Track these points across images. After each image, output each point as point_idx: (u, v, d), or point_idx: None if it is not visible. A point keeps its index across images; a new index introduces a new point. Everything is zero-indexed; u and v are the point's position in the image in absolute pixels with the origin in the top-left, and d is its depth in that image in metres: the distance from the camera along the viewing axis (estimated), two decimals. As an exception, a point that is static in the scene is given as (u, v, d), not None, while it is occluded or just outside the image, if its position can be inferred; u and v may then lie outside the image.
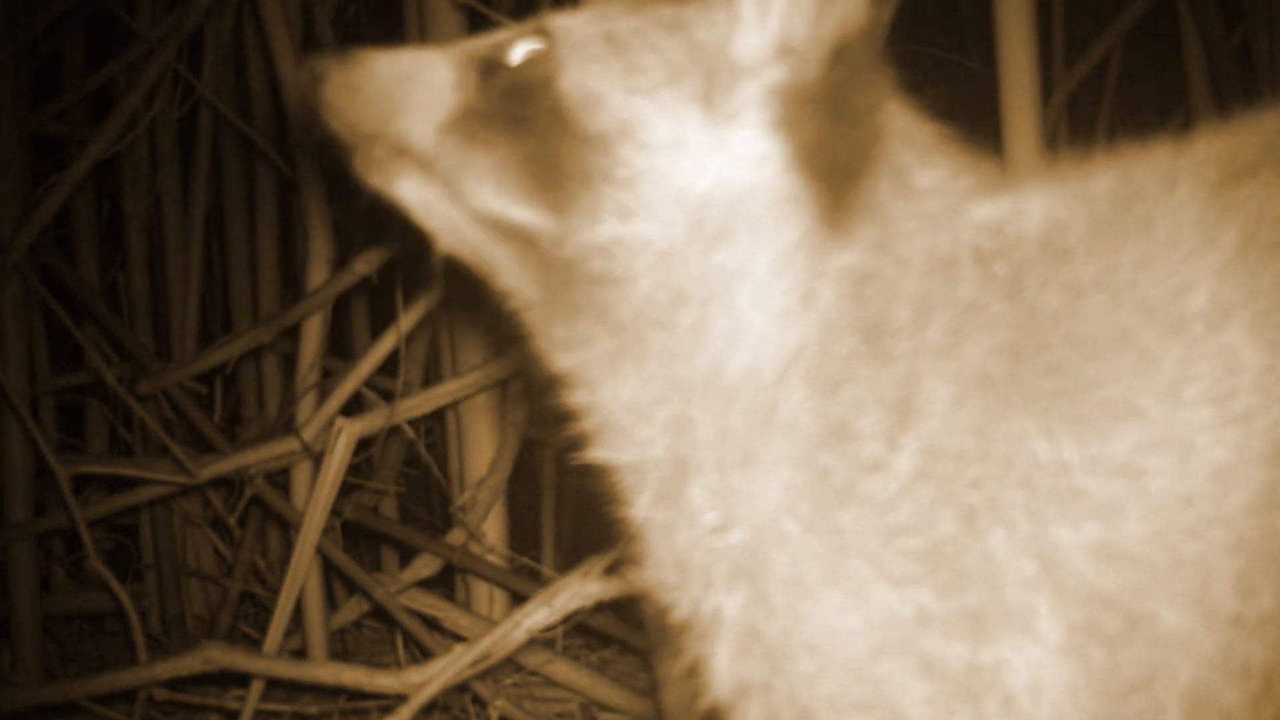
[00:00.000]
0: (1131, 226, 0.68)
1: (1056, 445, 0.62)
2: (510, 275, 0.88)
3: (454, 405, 1.87)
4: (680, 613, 0.81)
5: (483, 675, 1.63)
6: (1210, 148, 0.69)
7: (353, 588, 2.00)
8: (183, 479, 1.83)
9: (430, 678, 1.56)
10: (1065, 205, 0.73)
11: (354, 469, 1.74)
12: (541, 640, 1.60)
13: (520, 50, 0.88)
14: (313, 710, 1.85)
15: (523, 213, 0.83)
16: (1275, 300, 0.63)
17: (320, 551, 1.76)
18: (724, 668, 0.77)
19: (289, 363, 2.15)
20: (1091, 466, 0.61)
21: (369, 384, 1.81)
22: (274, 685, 1.82)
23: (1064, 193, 0.74)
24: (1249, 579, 0.60)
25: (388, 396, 1.81)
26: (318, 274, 1.86)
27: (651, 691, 1.64)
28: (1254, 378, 0.62)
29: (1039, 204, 0.73)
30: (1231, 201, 0.66)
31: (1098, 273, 0.66)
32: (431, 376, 2.09)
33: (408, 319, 1.71)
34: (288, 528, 1.95)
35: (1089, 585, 0.61)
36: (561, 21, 0.88)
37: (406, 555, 2.08)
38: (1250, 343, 0.62)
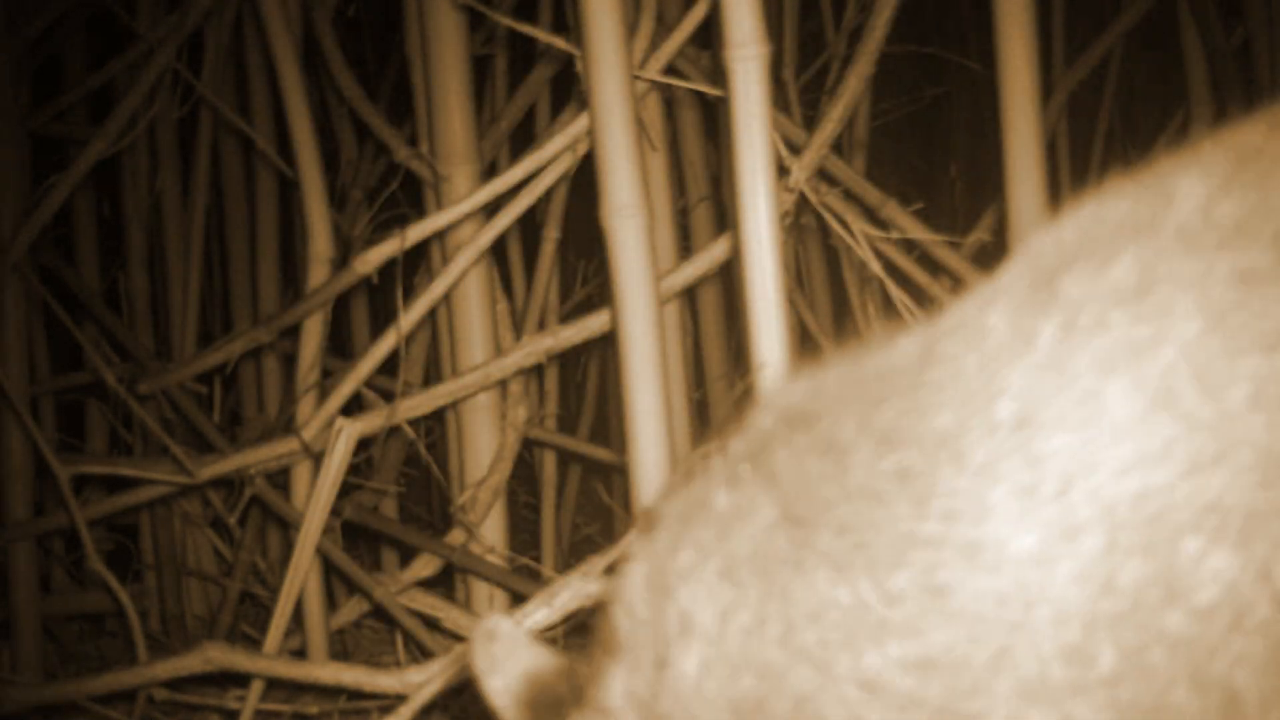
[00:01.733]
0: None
1: (855, 589, 0.63)
2: None
3: (454, 405, 1.87)
4: None
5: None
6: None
7: (353, 588, 2.00)
8: (183, 479, 1.83)
9: (430, 678, 1.56)
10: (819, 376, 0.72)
11: (354, 469, 1.74)
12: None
13: None
14: (313, 710, 1.85)
15: None
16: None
17: (320, 551, 1.76)
18: None
19: (289, 363, 2.15)
20: (890, 598, 0.63)
21: (369, 384, 1.81)
22: (274, 685, 1.82)
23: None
24: (1073, 648, 0.60)
25: (388, 396, 1.81)
26: (318, 274, 1.86)
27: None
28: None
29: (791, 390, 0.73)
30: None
31: (856, 423, 0.66)
32: (431, 376, 2.10)
33: (408, 319, 1.71)
34: (288, 528, 1.95)
35: (912, 696, 0.62)
36: None
37: (406, 555, 2.08)
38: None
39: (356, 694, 1.78)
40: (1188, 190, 0.61)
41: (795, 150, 1.58)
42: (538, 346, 1.70)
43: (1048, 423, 0.59)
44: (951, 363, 0.63)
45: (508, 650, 0.76)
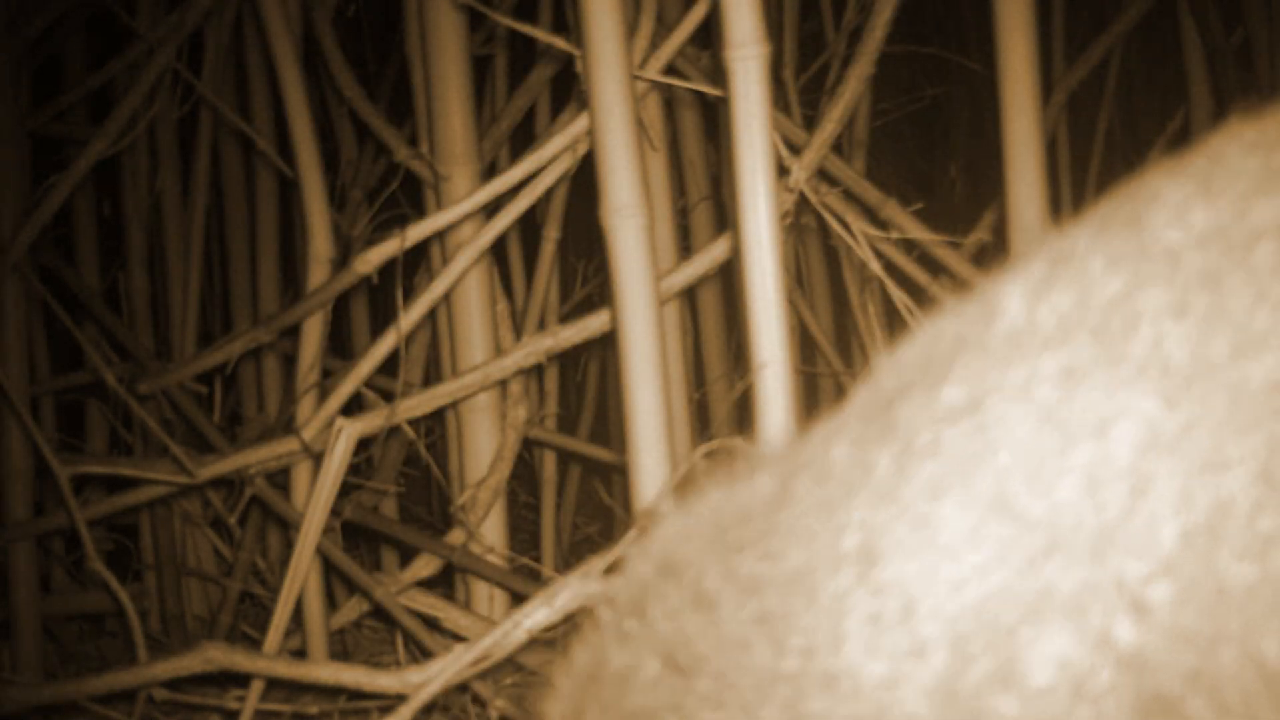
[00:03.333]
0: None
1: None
2: None
3: (454, 405, 1.87)
4: None
5: (483, 675, 1.63)
6: None
7: (353, 588, 2.00)
8: (183, 479, 1.83)
9: (430, 678, 1.56)
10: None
11: (354, 469, 1.74)
12: (541, 640, 1.60)
13: None
14: (313, 710, 1.85)
15: None
16: None
17: (320, 551, 1.76)
18: None
19: (289, 363, 2.15)
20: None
21: (369, 384, 1.81)
22: (274, 685, 1.82)
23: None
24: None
25: (388, 396, 1.81)
26: (318, 274, 1.86)
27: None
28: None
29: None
30: None
31: (719, 573, 0.69)
32: (431, 376, 2.10)
33: (408, 319, 1.71)
34: (288, 528, 1.95)
35: None
36: None
37: (406, 555, 2.08)
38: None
39: (356, 694, 1.78)
40: (1011, 297, 0.63)
41: (795, 150, 1.58)
42: (538, 346, 1.70)
43: (887, 551, 0.62)
44: (801, 501, 0.66)
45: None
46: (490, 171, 1.88)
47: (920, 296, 1.78)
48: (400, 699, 1.57)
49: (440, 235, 1.83)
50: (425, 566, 1.92)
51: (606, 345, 2.00)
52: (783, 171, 1.48)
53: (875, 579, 0.62)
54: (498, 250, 1.90)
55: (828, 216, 1.65)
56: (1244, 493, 0.51)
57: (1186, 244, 0.58)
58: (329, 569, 1.95)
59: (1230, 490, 0.52)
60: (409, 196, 2.07)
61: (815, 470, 0.66)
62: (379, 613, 1.98)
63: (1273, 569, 0.49)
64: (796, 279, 2.23)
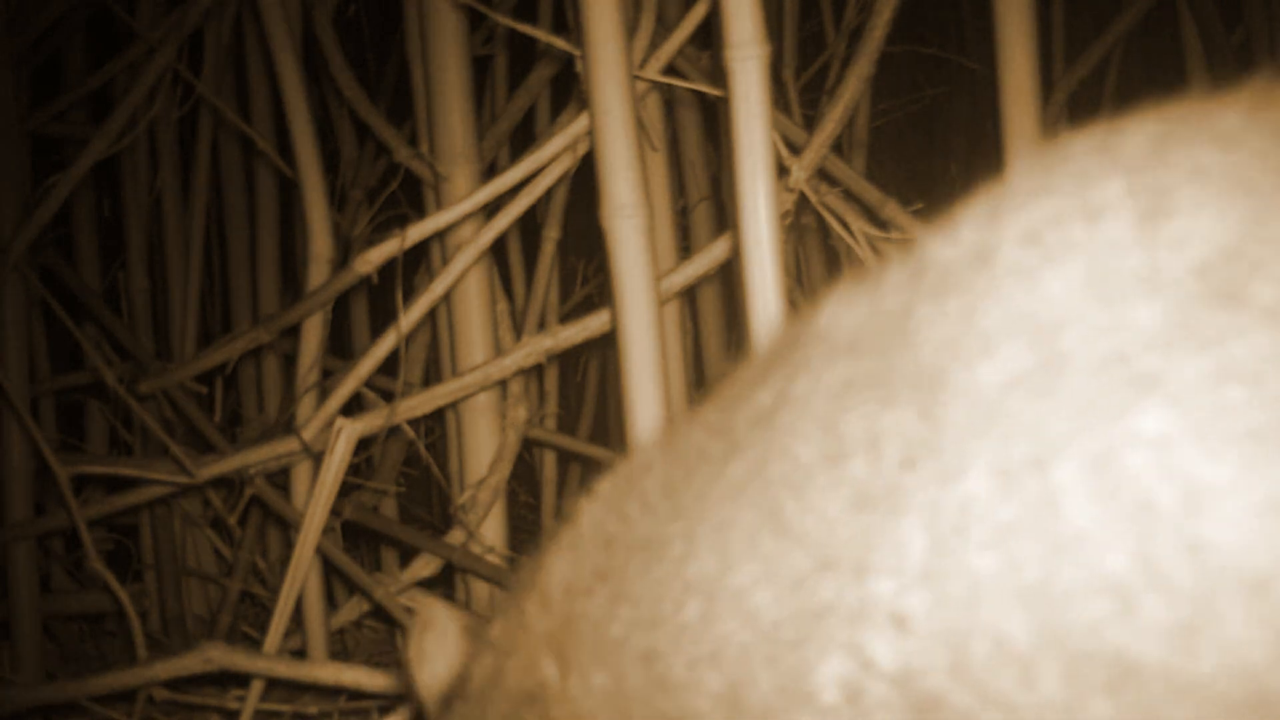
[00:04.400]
0: None
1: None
2: None
3: (454, 405, 1.87)
4: None
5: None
6: None
7: (353, 588, 2.00)
8: (183, 479, 1.83)
9: (430, 678, 1.55)
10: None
11: (354, 469, 1.74)
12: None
13: None
14: (313, 710, 1.85)
15: None
16: None
17: (320, 551, 1.76)
18: None
19: (289, 363, 2.15)
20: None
21: (369, 384, 1.81)
22: (274, 685, 1.82)
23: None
24: None
25: (388, 396, 1.80)
26: (318, 274, 1.86)
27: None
28: None
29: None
30: None
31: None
32: (431, 376, 2.10)
33: (408, 319, 1.71)
34: (288, 528, 1.95)
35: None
36: None
37: (406, 555, 2.08)
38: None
39: (356, 694, 1.78)
40: (834, 301, 0.62)
41: (795, 150, 1.58)
42: (538, 346, 1.70)
43: (697, 549, 0.61)
44: (649, 484, 0.65)
45: (440, 641, 0.76)
46: (490, 171, 1.88)
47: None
48: (400, 699, 1.57)
49: (440, 235, 1.83)
50: (425, 566, 1.92)
51: (606, 345, 2.00)
52: (783, 171, 1.48)
53: (685, 574, 0.60)
54: (498, 250, 1.90)
55: (828, 216, 1.65)
56: (983, 488, 0.49)
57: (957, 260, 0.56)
58: (329, 569, 1.95)
59: (972, 489, 0.50)
60: (409, 196, 2.07)
61: (666, 457, 0.65)
62: (379, 613, 1.98)
63: (1012, 556, 0.47)
64: (796, 279, 2.23)
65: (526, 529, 2.68)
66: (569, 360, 2.53)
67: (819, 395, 0.57)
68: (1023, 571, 0.44)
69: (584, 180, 1.57)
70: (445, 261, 1.78)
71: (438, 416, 1.99)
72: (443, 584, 2.01)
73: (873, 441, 0.53)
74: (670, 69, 1.68)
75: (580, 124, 1.60)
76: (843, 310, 0.59)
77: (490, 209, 1.73)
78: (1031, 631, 0.44)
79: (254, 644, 1.95)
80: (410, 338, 1.95)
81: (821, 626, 0.53)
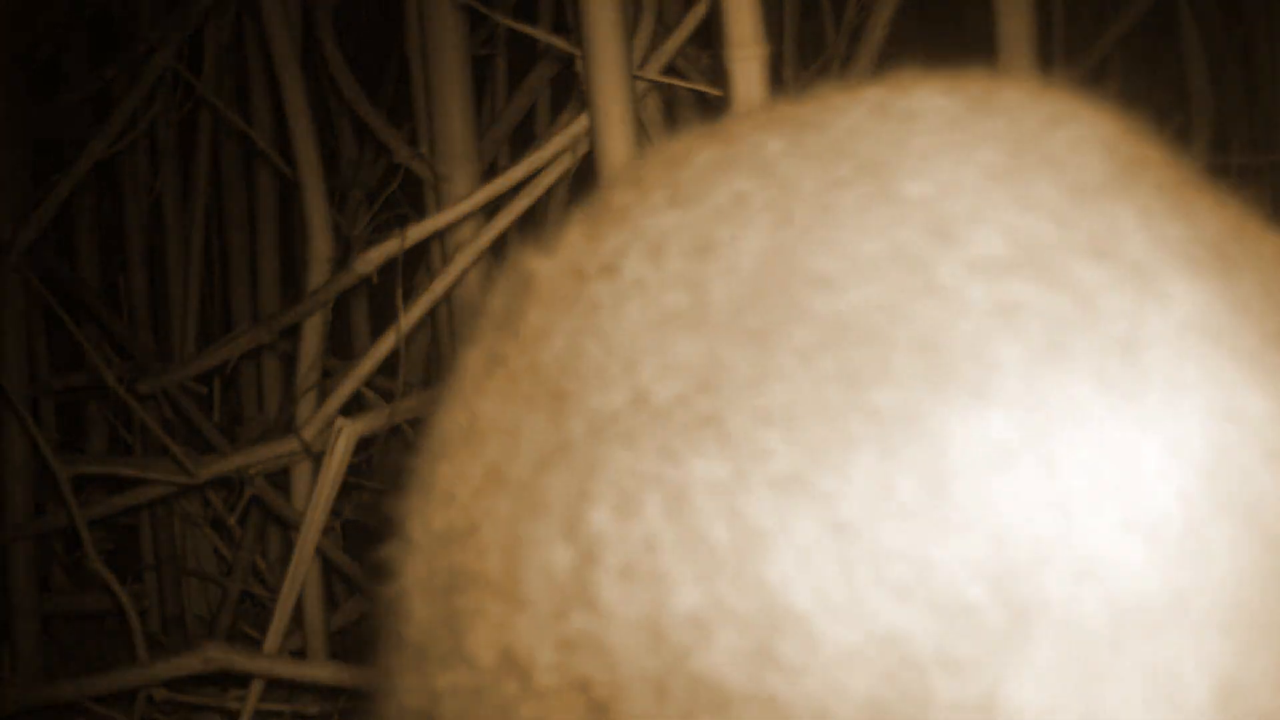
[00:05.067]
0: None
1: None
2: None
3: (454, 405, 1.87)
4: None
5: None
6: None
7: (353, 588, 2.00)
8: (183, 479, 1.83)
9: (430, 678, 1.55)
10: None
11: (354, 469, 1.74)
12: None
13: None
14: (313, 710, 1.85)
15: None
16: None
17: (320, 551, 1.76)
18: None
19: (289, 363, 2.15)
20: None
21: (369, 384, 1.81)
22: (274, 685, 1.82)
23: None
24: None
25: (388, 396, 1.80)
26: (318, 274, 1.86)
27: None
28: None
29: None
30: None
31: None
32: (431, 376, 2.09)
33: (408, 319, 1.71)
34: (288, 528, 1.95)
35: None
36: None
37: (406, 555, 2.07)
38: None
39: (356, 694, 1.78)
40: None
41: (795, 150, 1.57)
42: (538, 346, 1.70)
43: None
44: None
45: None
46: (490, 171, 1.88)
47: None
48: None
49: (440, 235, 1.83)
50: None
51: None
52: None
53: None
54: (498, 250, 1.90)
55: (828, 216, 1.64)
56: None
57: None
58: (329, 569, 1.95)
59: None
60: (409, 196, 2.07)
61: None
62: (379, 613, 1.98)
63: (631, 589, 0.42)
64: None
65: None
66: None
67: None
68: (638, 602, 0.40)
69: (584, 180, 1.57)
70: (445, 261, 1.78)
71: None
72: (443, 584, 2.01)
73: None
74: (670, 69, 1.68)
75: (580, 124, 1.60)
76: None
77: (490, 209, 1.73)
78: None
79: (254, 644, 1.95)
80: (410, 338, 1.95)
81: None
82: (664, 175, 0.41)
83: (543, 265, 0.41)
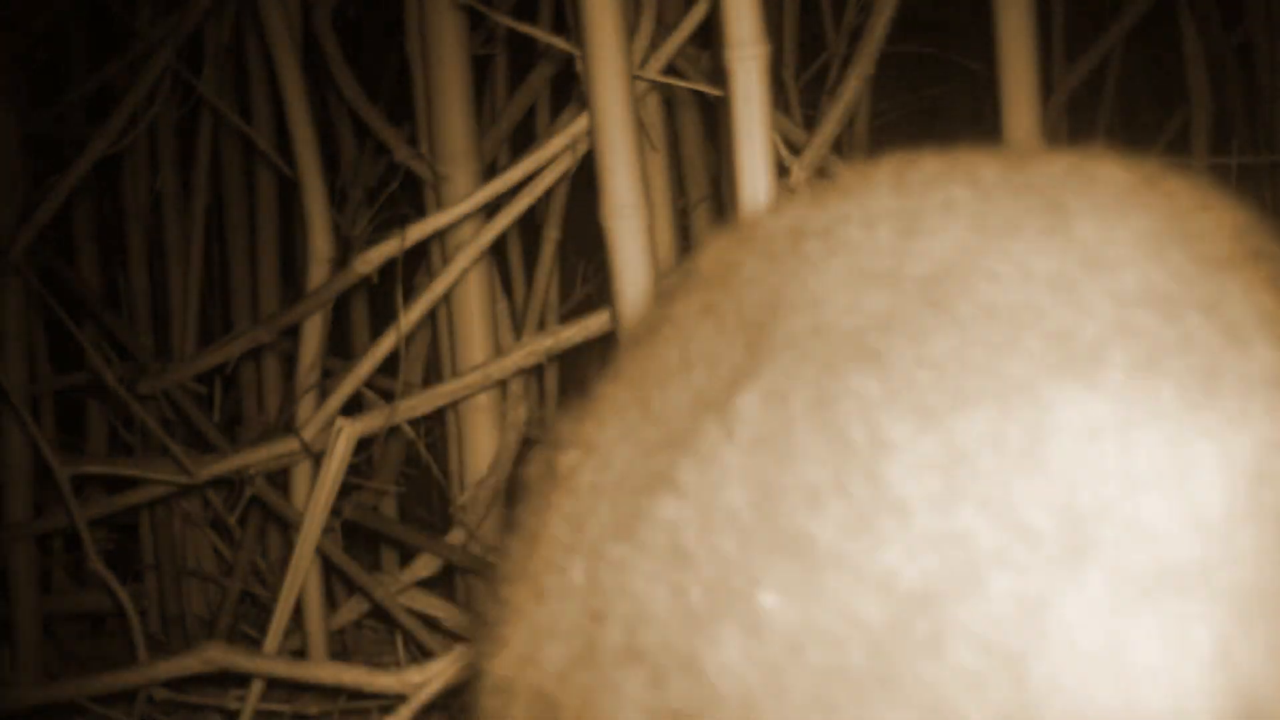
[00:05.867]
0: None
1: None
2: None
3: (454, 405, 1.87)
4: None
5: (483, 675, 1.63)
6: None
7: (353, 588, 2.00)
8: (183, 479, 1.83)
9: (430, 677, 1.56)
10: None
11: (354, 469, 1.74)
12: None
13: None
14: (313, 710, 1.85)
15: None
16: None
17: (320, 551, 1.76)
18: None
19: (289, 363, 2.15)
20: None
21: (369, 384, 1.81)
22: (274, 685, 1.82)
23: None
24: None
25: (388, 396, 1.80)
26: (318, 274, 1.86)
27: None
28: None
29: None
30: None
31: None
32: (431, 376, 2.09)
33: (408, 319, 1.71)
34: (288, 528, 1.95)
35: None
36: None
37: (406, 555, 2.08)
38: None
39: (356, 694, 1.78)
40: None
41: (795, 150, 1.58)
42: (538, 346, 1.70)
43: None
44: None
45: None
46: (490, 171, 1.88)
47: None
48: (400, 699, 1.57)
49: (440, 235, 1.83)
50: (425, 566, 1.92)
51: (606, 345, 2.00)
52: (783, 171, 1.48)
53: None
54: (498, 250, 1.90)
55: (828, 216, 1.64)
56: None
57: None
58: (329, 569, 1.95)
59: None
60: (409, 196, 2.07)
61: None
62: (379, 613, 1.98)
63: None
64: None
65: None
66: (569, 360, 2.53)
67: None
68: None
69: (584, 180, 1.57)
70: (445, 261, 1.78)
71: (438, 416, 1.99)
72: (443, 584, 2.01)
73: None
74: (670, 69, 1.68)
75: (580, 124, 1.60)
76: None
77: (490, 209, 1.73)
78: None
79: (254, 644, 1.95)
80: (410, 338, 1.95)
81: None
82: (891, 172, 0.53)
83: (766, 223, 0.51)
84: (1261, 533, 0.40)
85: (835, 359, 0.44)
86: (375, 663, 2.10)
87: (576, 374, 2.69)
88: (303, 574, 1.68)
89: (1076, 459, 0.40)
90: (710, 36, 1.66)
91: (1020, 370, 0.41)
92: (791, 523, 0.43)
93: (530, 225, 2.11)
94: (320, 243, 1.87)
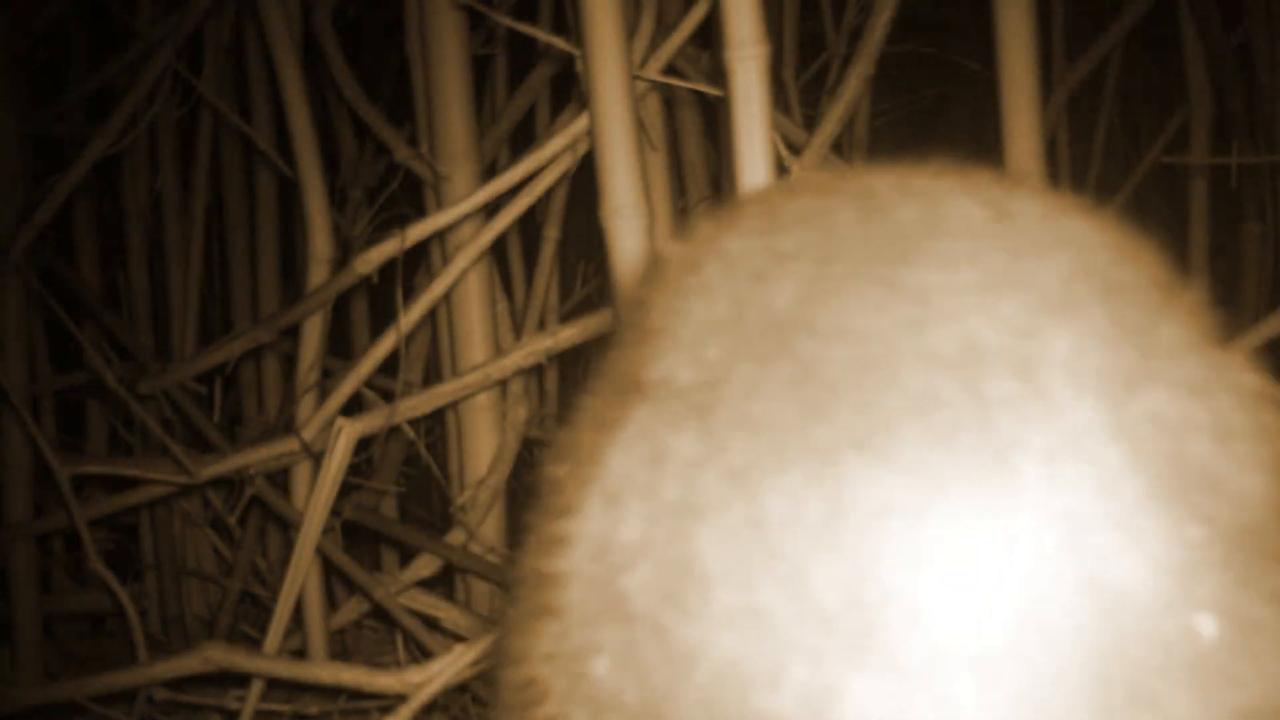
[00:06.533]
0: None
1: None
2: None
3: (454, 405, 1.87)
4: None
5: (483, 675, 1.63)
6: None
7: (353, 588, 2.00)
8: (183, 479, 1.83)
9: (430, 677, 1.56)
10: None
11: (354, 469, 1.74)
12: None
13: None
14: (313, 710, 1.85)
15: None
16: None
17: (320, 551, 1.76)
18: None
19: (289, 363, 2.15)
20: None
21: (369, 384, 1.81)
22: (274, 685, 1.82)
23: None
24: None
25: (388, 396, 1.81)
26: (318, 274, 1.86)
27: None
28: None
29: None
30: None
31: None
32: (431, 376, 2.10)
33: (408, 319, 1.71)
34: (288, 528, 1.95)
35: None
36: None
37: (406, 555, 2.08)
38: None
39: (356, 694, 1.78)
40: None
41: (795, 150, 1.58)
42: (538, 346, 1.70)
43: None
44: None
45: None
46: (490, 171, 1.88)
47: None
48: (400, 699, 1.57)
49: (440, 235, 1.83)
50: (425, 566, 1.92)
51: (606, 345, 1.99)
52: (783, 171, 1.48)
53: None
54: (498, 250, 1.90)
55: (828, 216, 1.64)
56: None
57: None
58: (329, 569, 1.95)
59: None
60: (409, 196, 2.07)
61: None
62: (379, 613, 1.98)
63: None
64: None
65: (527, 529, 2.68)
66: (569, 360, 2.53)
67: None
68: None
69: (584, 180, 1.57)
70: (445, 261, 1.78)
71: (438, 416, 1.99)
72: (443, 584, 2.01)
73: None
74: (670, 69, 1.68)
75: (580, 124, 1.60)
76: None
77: (490, 209, 1.73)
78: None
79: (254, 644, 1.95)
80: (410, 338, 1.95)
81: None
82: (767, 205, 0.52)
83: (676, 252, 0.52)
84: (1043, 614, 0.40)
85: (674, 412, 0.45)
86: (375, 663, 2.10)
87: (576, 374, 2.69)
88: (303, 574, 1.68)
89: (867, 538, 0.40)
90: (710, 36, 1.66)
91: (827, 438, 0.42)
92: (619, 585, 0.43)
93: (530, 225, 2.11)
94: (320, 243, 1.87)
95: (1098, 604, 0.41)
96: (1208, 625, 0.41)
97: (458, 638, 1.82)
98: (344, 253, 1.88)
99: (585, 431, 0.48)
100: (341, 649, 2.13)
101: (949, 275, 0.45)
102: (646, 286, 0.51)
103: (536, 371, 2.24)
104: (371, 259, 1.73)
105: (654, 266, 0.52)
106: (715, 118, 2.05)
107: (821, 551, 0.41)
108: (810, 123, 1.76)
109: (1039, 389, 0.42)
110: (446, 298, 1.81)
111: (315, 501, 1.63)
